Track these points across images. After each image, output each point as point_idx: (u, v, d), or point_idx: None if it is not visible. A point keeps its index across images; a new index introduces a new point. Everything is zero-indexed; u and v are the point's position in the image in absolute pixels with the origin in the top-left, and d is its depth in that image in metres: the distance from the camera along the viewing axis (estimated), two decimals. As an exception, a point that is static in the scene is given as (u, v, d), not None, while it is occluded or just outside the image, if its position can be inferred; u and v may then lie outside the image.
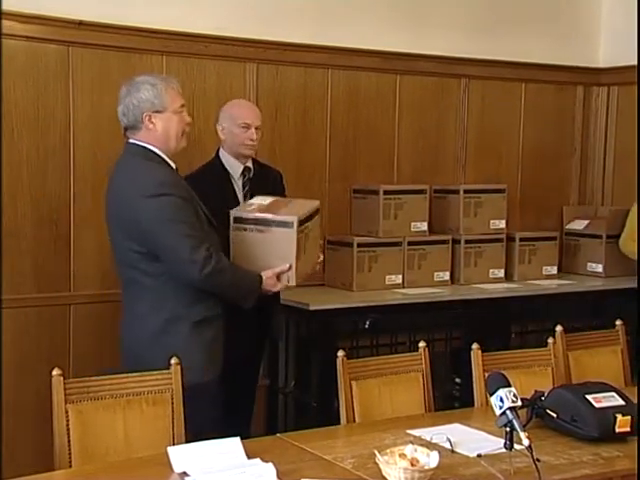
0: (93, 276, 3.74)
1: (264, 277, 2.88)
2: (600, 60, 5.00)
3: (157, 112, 2.76)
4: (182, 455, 2.13)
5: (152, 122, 2.76)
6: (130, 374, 2.48)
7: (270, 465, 2.10)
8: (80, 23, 3.59)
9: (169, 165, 2.80)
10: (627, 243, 4.54)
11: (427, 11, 4.50)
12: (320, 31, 4.17)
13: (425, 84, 4.55)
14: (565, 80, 4.94)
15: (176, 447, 2.19)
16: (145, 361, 2.62)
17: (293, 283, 2.96)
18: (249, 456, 2.17)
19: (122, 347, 2.86)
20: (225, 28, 3.93)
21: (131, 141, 2.81)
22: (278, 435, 2.50)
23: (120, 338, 2.88)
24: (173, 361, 2.52)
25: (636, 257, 4.47)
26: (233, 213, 2.96)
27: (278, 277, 2.91)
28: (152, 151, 2.77)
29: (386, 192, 4.21)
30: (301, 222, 2.96)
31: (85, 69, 3.67)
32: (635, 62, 4.76)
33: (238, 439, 2.20)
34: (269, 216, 2.94)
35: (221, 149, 3.51)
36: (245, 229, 2.93)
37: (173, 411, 2.49)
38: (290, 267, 2.92)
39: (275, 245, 2.92)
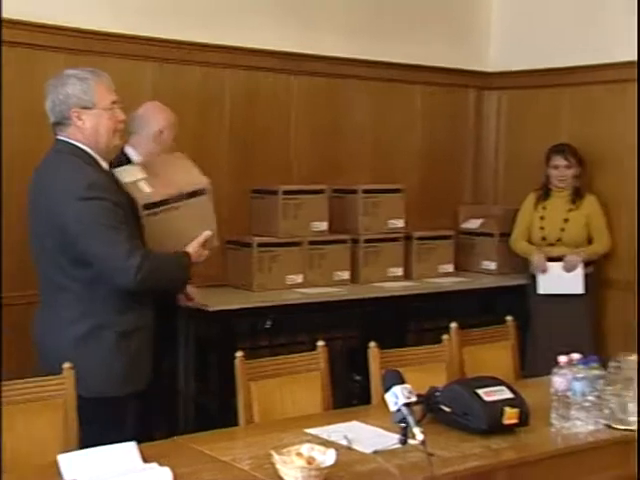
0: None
1: (191, 251, 2.79)
2: (490, 64, 5.17)
3: (85, 108, 2.63)
4: (73, 463, 2.07)
5: (81, 119, 2.63)
6: (19, 380, 2.41)
7: (166, 469, 2.08)
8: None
9: (100, 165, 2.68)
10: (517, 241, 4.71)
11: (320, 13, 4.55)
12: (218, 31, 4.15)
13: (320, 84, 4.60)
14: (457, 83, 5.09)
15: (66, 454, 2.13)
16: (80, 376, 2.50)
17: (217, 243, 2.96)
18: (145, 460, 2.14)
19: (42, 352, 2.70)
20: (125, 26, 3.86)
21: (60, 138, 2.67)
22: (175, 438, 2.47)
23: (38, 342, 2.73)
24: (66, 365, 2.46)
25: (525, 255, 4.65)
26: (142, 201, 2.83)
27: (203, 245, 2.85)
28: (81, 149, 2.64)
29: (285, 192, 4.23)
30: None
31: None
32: (523, 67, 4.97)
33: (134, 443, 2.17)
34: (180, 191, 2.88)
35: (127, 147, 3.45)
36: (157, 213, 2.84)
37: (66, 417, 2.43)
38: (213, 232, 2.88)
39: (193, 216, 2.89)
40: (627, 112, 4.57)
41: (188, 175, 3.00)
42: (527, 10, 5.01)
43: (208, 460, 2.27)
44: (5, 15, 3.52)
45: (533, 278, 4.57)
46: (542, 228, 4.60)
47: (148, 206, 2.82)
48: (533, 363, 4.26)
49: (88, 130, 2.65)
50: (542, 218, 4.61)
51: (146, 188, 2.87)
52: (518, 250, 4.69)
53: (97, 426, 2.50)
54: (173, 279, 2.81)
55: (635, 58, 4.42)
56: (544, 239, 4.59)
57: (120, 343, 2.65)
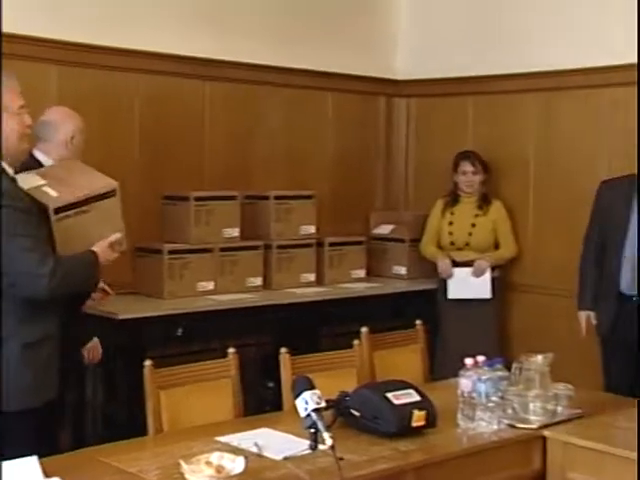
0: None
1: (98, 251, 2.74)
2: (400, 72, 5.26)
3: None
4: (-28, 480, 2.01)
5: None
6: None
7: (70, 483, 2.03)
8: None
9: (6, 172, 2.58)
10: (426, 246, 4.80)
11: (234, 19, 4.54)
12: (124, 34, 4.09)
13: (232, 91, 4.58)
14: (368, 90, 5.15)
15: (-34, 471, 2.06)
16: None
17: (125, 247, 2.93)
18: (47, 475, 2.08)
19: None
20: (24, 27, 3.76)
21: None
22: (81, 450, 2.42)
23: None
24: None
25: (433, 259, 4.73)
26: (53, 204, 2.76)
27: (112, 247, 2.81)
28: None
29: (197, 198, 4.20)
30: None
31: None
32: (431, 76, 5.08)
33: (35, 458, 2.10)
34: (90, 194, 2.83)
35: (36, 150, 3.35)
36: (69, 216, 2.78)
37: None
38: (122, 234, 2.85)
39: (104, 218, 2.85)
40: (527, 121, 4.72)
41: (94, 178, 2.96)
42: (435, 20, 5.12)
43: (114, 472, 2.23)
44: None
45: (443, 282, 4.66)
46: (451, 233, 4.70)
47: (58, 210, 2.76)
48: (443, 366, 4.34)
49: None
50: (450, 223, 4.71)
51: (52, 192, 2.81)
52: (427, 255, 4.78)
53: (11, 440, 2.42)
54: (84, 280, 2.76)
55: (531, 69, 4.59)
56: (452, 244, 4.69)
57: (26, 354, 2.57)
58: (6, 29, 3.69)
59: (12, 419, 2.50)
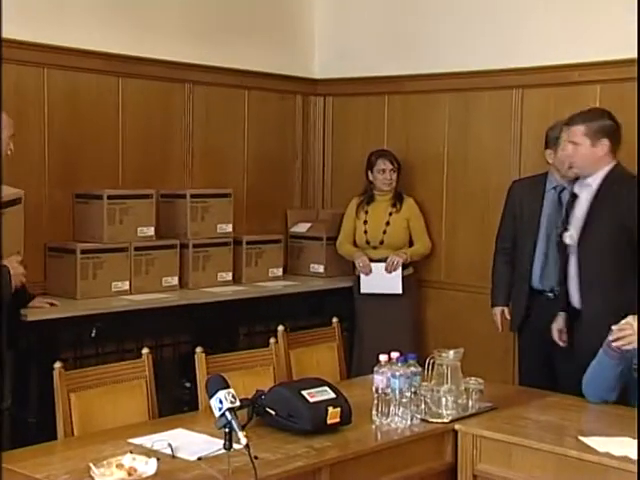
0: None
1: (9, 265, 2.73)
2: (316, 71, 5.28)
3: None
4: None
5: None
6: None
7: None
8: None
9: None
10: (342, 244, 4.83)
11: (151, 15, 4.47)
12: (34, 27, 3.98)
13: (149, 88, 4.51)
14: (285, 89, 5.15)
15: None
16: None
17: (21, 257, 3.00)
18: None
19: None
20: None
21: None
22: (-17, 458, 2.34)
23: None
24: None
25: (350, 257, 4.75)
26: None
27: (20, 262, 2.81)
28: None
29: (110, 197, 4.12)
30: None
31: None
32: (346, 75, 5.12)
33: None
34: None
35: None
36: None
37: None
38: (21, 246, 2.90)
39: (10, 224, 2.85)
40: (441, 120, 4.79)
41: None
42: (352, 19, 5.16)
43: (20, 479, 2.16)
44: None
45: (357, 278, 4.71)
46: (366, 232, 4.74)
47: None
48: (360, 363, 4.39)
49: None
50: (365, 222, 4.75)
51: None
52: (343, 253, 4.81)
53: None
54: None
55: (444, 70, 4.68)
56: (368, 242, 4.73)
57: None
58: None
59: None
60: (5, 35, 3.85)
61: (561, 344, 3.57)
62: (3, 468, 2.23)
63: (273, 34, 5.05)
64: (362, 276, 4.65)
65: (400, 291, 4.61)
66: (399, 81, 4.91)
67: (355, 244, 4.78)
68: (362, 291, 4.66)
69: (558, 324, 3.57)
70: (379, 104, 5.06)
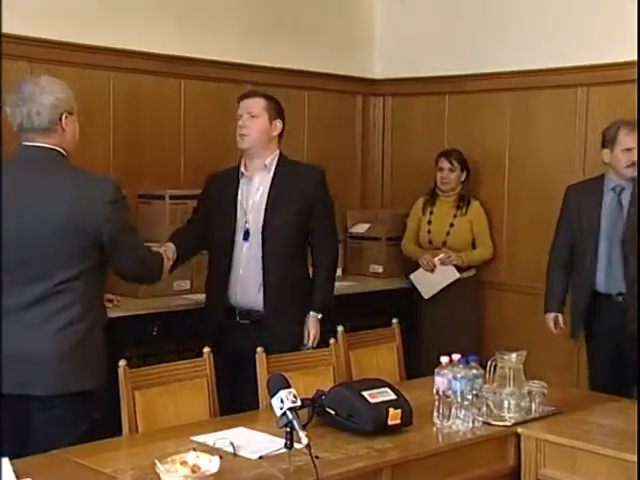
0: None
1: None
2: (377, 72, 5.27)
3: (70, 114, 2.69)
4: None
5: (67, 124, 2.67)
6: None
7: (43, 484, 2.01)
8: None
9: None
10: (406, 244, 4.81)
11: (211, 17, 4.52)
12: (99, 31, 4.06)
13: (209, 89, 4.56)
14: (345, 90, 5.15)
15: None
16: (61, 374, 2.59)
17: None
18: (19, 476, 2.06)
19: (22, 364, 2.58)
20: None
21: (39, 144, 2.63)
22: (54, 452, 2.39)
23: (15, 356, 2.59)
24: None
25: (414, 257, 4.73)
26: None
27: None
28: (64, 155, 2.67)
29: (172, 197, 4.18)
30: None
31: None
32: (407, 75, 5.10)
33: (6, 460, 2.09)
34: None
35: None
36: None
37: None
38: None
39: None
40: (501, 120, 4.74)
41: None
42: (412, 19, 5.13)
43: (88, 473, 2.22)
44: None
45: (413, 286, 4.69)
46: (429, 232, 4.71)
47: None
48: (421, 364, 4.36)
49: (68, 135, 2.70)
50: (429, 222, 4.72)
51: None
52: (407, 253, 4.79)
53: (79, 421, 2.63)
54: (156, 271, 3.03)
55: (506, 69, 4.62)
56: (430, 242, 4.70)
57: (102, 338, 2.73)
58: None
59: (94, 397, 2.66)
60: (71, 40, 3.96)
61: None
62: (73, 461, 2.29)
63: (333, 35, 5.05)
64: (418, 285, 4.63)
65: (457, 274, 4.55)
66: (460, 81, 4.87)
67: (418, 244, 4.75)
68: (426, 297, 4.62)
69: None
70: (439, 104, 5.02)
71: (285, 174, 3.42)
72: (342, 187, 5.24)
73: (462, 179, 4.71)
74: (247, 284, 3.40)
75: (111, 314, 3.74)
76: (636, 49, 3.90)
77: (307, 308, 3.46)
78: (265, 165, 3.43)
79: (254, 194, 3.42)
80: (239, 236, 3.41)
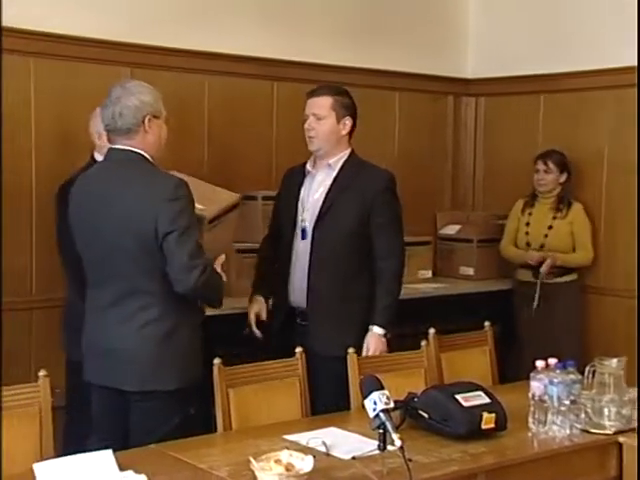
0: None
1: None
2: (468, 72, 5.20)
3: (155, 117, 2.71)
4: (49, 471, 2.07)
5: (150, 126, 2.69)
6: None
7: (143, 477, 2.07)
8: None
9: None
10: (506, 247, 4.70)
11: (302, 19, 4.55)
12: (195, 36, 4.14)
13: (301, 91, 4.57)
14: (437, 90, 5.11)
15: (42, 463, 2.12)
16: (147, 369, 2.64)
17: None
18: (121, 468, 2.13)
19: (111, 359, 2.69)
20: (98, 31, 3.84)
21: (122, 147, 2.70)
22: (152, 446, 2.46)
23: (98, 350, 2.72)
24: (41, 374, 2.45)
25: (515, 260, 4.63)
26: (208, 216, 2.93)
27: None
28: (145, 157, 2.71)
29: (265, 197, 4.22)
30: None
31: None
32: (500, 74, 5.01)
33: (110, 451, 2.16)
34: (223, 207, 3.04)
35: (96, 153, 3.43)
36: (212, 227, 2.97)
37: (41, 425, 2.42)
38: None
39: (225, 230, 3.06)
40: (599, 120, 4.61)
41: (218, 192, 3.14)
42: (504, 17, 5.05)
43: (185, 468, 2.26)
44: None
45: (522, 293, 4.55)
46: (527, 233, 4.60)
47: (211, 221, 2.95)
48: (519, 367, 4.26)
49: (153, 139, 2.72)
50: (527, 224, 4.61)
51: (198, 205, 2.92)
52: (508, 255, 4.70)
53: (169, 418, 2.65)
54: (217, 294, 2.83)
55: (604, 66, 4.48)
56: (528, 244, 4.58)
57: (192, 338, 2.73)
58: (81, 34, 3.81)
59: (182, 397, 2.69)
60: (169, 45, 4.05)
61: None
62: (171, 456, 2.34)
63: (424, 35, 5.01)
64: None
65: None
66: (555, 79, 4.75)
67: (516, 246, 4.65)
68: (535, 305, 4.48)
69: None
70: (534, 103, 4.91)
71: (349, 175, 3.31)
72: (432, 188, 5.21)
73: (561, 181, 4.58)
74: (298, 284, 3.32)
75: (206, 313, 3.85)
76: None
77: (356, 319, 3.27)
78: (329, 164, 3.35)
79: (314, 192, 3.35)
80: (298, 234, 3.35)
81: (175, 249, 2.60)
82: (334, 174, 3.33)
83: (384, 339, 3.26)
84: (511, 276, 4.74)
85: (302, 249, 3.32)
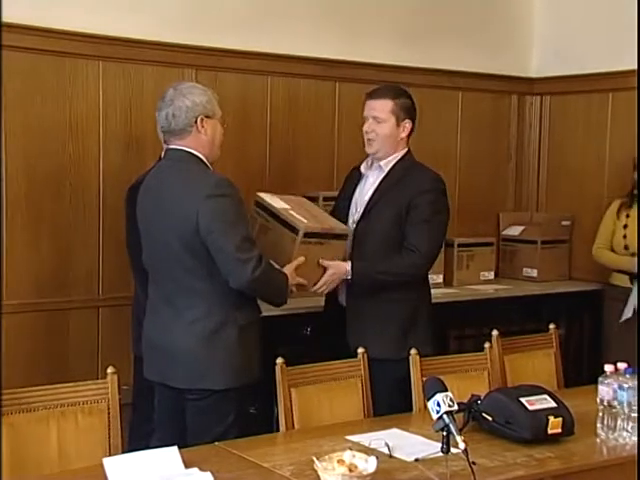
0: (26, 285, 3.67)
1: (287, 273, 2.87)
2: (533, 70, 5.12)
3: (208, 117, 2.74)
4: (118, 466, 2.10)
5: (203, 127, 2.72)
6: (64, 384, 2.45)
7: (208, 474, 2.09)
8: (9, 26, 3.51)
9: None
10: (602, 251, 4.45)
11: (363, 20, 4.54)
12: (258, 38, 4.17)
13: (362, 91, 4.55)
14: (500, 89, 5.04)
15: (111, 458, 2.16)
16: (195, 367, 2.67)
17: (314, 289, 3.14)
18: (187, 465, 2.15)
19: (164, 356, 2.74)
20: (162, 34, 3.90)
21: (175, 147, 2.75)
22: (216, 444, 2.48)
23: (155, 345, 2.78)
24: (109, 370, 2.50)
25: (613, 265, 4.40)
26: (304, 228, 2.98)
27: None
28: (199, 157, 2.74)
29: (325, 198, 4.23)
30: None
31: (14, 73, 3.58)
32: (565, 72, 4.92)
33: (175, 448, 2.19)
34: (332, 230, 3.10)
35: (163, 153, 3.48)
36: (310, 242, 3.02)
37: (109, 421, 2.46)
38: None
39: (328, 255, 3.08)
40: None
41: (327, 217, 3.22)
42: (569, 15, 4.95)
43: (249, 466, 2.28)
44: (40, 24, 3.57)
45: (612, 300, 4.38)
46: (625, 236, 4.36)
47: (308, 235, 3.00)
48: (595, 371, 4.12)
49: (206, 139, 2.75)
50: (625, 226, 4.37)
51: (300, 217, 3.03)
52: (604, 260, 4.44)
53: (222, 417, 2.68)
54: (276, 291, 2.84)
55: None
56: (626, 248, 4.35)
57: (240, 337, 2.72)
58: (147, 37, 3.87)
59: (231, 397, 2.71)
60: (228, 46, 4.09)
61: None
62: (234, 454, 2.36)
63: (487, 34, 4.96)
64: (632, 301, 4.23)
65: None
66: (624, 77, 4.64)
67: (612, 250, 4.42)
68: (623, 318, 4.26)
69: None
70: (601, 102, 4.81)
71: (396, 177, 3.27)
72: (495, 188, 5.14)
73: None
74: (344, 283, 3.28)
75: (267, 312, 3.87)
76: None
77: (392, 323, 3.24)
78: (380, 165, 3.32)
79: (365, 194, 3.33)
80: (350, 233, 3.31)
81: (222, 244, 2.61)
82: (383, 175, 3.32)
83: (343, 278, 3.17)
84: (575, 278, 4.62)
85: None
